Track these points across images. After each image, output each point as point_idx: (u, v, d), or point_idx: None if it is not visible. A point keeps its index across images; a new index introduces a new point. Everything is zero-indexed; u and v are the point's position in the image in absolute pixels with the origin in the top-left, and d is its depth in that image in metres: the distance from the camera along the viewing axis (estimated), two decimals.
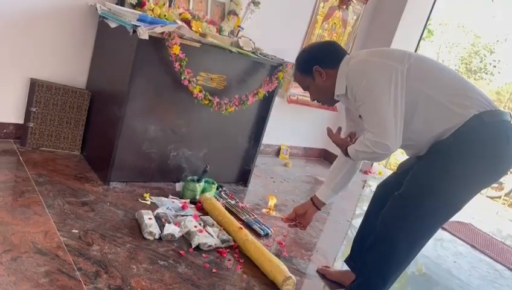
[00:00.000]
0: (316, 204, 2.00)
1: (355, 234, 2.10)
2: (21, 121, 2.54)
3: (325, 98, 1.84)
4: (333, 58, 1.74)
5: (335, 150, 4.37)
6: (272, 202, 2.32)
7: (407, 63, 1.59)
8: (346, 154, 1.74)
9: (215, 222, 2.22)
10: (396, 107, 1.55)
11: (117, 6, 2.36)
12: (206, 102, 2.45)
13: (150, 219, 2.01)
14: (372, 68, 1.61)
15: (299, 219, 2.04)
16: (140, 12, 2.24)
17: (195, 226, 2.07)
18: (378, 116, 1.56)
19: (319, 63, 1.73)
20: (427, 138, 1.63)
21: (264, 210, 2.34)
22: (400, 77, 1.56)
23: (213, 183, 2.58)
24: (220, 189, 2.70)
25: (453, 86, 1.61)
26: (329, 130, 1.82)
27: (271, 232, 2.38)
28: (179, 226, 2.04)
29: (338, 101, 1.82)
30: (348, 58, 1.73)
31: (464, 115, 1.55)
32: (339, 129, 1.86)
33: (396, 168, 2.01)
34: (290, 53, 3.44)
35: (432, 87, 1.58)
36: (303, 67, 1.79)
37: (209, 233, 2.08)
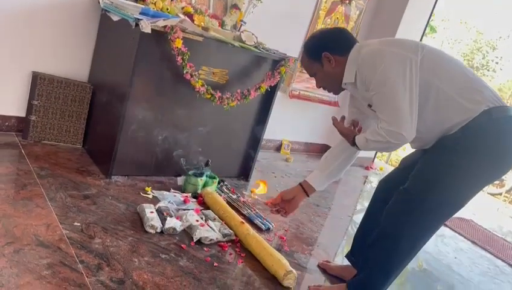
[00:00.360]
0: (305, 190, 1.93)
1: (356, 229, 2.10)
2: (23, 114, 2.53)
3: (331, 85, 1.81)
4: (343, 45, 1.71)
5: None
6: (261, 188, 2.22)
7: (421, 54, 1.57)
8: (353, 144, 1.72)
9: (216, 216, 2.22)
10: (412, 96, 1.53)
11: None
12: (208, 96, 2.44)
13: (151, 212, 2.02)
14: (387, 58, 1.57)
15: (283, 204, 1.97)
16: (142, 6, 2.23)
17: (197, 220, 2.07)
18: (393, 106, 1.54)
19: (328, 49, 1.70)
20: (435, 131, 1.63)
21: (246, 193, 2.23)
22: (414, 67, 1.54)
23: (214, 177, 2.58)
24: (222, 183, 2.70)
25: (464, 80, 1.59)
26: (334, 119, 1.80)
27: (272, 226, 2.39)
28: (180, 220, 2.05)
29: (344, 89, 1.80)
30: (358, 46, 1.70)
31: (474, 110, 1.55)
32: (343, 118, 1.85)
33: (398, 164, 2.00)
34: (292, 48, 3.44)
35: (443, 81, 1.57)
36: (312, 53, 1.75)
37: (210, 227, 2.08)
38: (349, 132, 1.76)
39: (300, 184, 1.95)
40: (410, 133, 1.54)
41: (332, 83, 1.79)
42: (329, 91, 1.86)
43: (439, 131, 1.62)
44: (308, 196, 1.94)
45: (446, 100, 1.58)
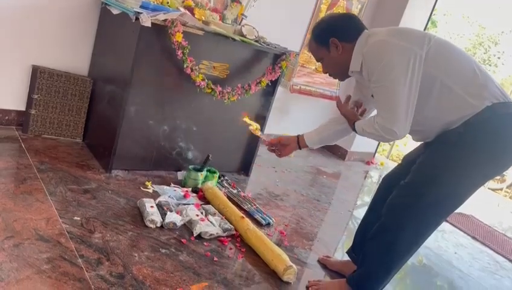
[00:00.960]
0: (299, 143, 2.03)
1: (357, 224, 2.09)
2: (23, 108, 2.53)
3: (337, 72, 1.81)
4: (351, 32, 1.70)
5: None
6: (252, 123, 2.24)
7: (427, 46, 1.56)
8: (352, 128, 1.74)
9: (216, 211, 2.22)
10: (410, 94, 1.53)
11: None
12: (209, 90, 2.43)
13: (151, 207, 2.02)
14: (391, 51, 1.56)
15: (279, 147, 2.08)
16: None
17: (197, 215, 2.07)
18: (391, 102, 1.55)
19: (336, 35, 1.69)
20: (436, 125, 1.63)
21: (250, 127, 2.23)
22: (417, 62, 1.54)
23: (215, 172, 2.58)
24: (222, 178, 2.70)
25: (470, 74, 1.58)
26: (338, 101, 1.81)
27: (272, 221, 2.39)
28: (180, 215, 2.05)
29: (350, 76, 1.80)
30: (366, 34, 1.68)
31: (477, 106, 1.54)
32: (348, 98, 1.85)
33: (400, 159, 2.00)
34: (293, 42, 3.42)
35: (448, 75, 1.56)
36: (319, 38, 1.74)
37: (210, 222, 2.08)
38: (352, 116, 1.77)
39: (297, 136, 2.04)
40: (402, 131, 1.56)
41: (338, 69, 1.79)
42: (334, 78, 1.87)
43: (441, 124, 1.61)
44: (300, 148, 2.05)
45: (449, 94, 1.57)
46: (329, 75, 1.85)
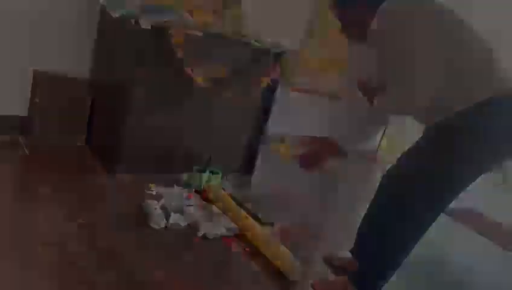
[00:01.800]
0: None
1: (360, 222, 2.09)
2: (25, 113, 2.53)
3: (355, 31, 1.77)
4: None
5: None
6: None
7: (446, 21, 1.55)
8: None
9: (220, 211, 2.22)
10: (430, 58, 1.51)
11: None
12: (210, 91, 2.44)
13: (156, 208, 2.02)
14: (412, 17, 1.54)
15: None
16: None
17: (201, 216, 2.07)
18: (409, 64, 1.53)
19: None
20: (439, 108, 1.60)
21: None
22: (437, 31, 1.52)
23: (218, 173, 2.58)
24: (225, 178, 2.70)
25: (477, 65, 1.57)
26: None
27: (276, 221, 2.39)
28: (184, 216, 2.05)
29: (366, 39, 1.75)
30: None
31: (477, 98, 1.53)
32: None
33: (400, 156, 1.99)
34: (293, 40, 3.41)
35: (459, 58, 1.55)
36: None
37: (215, 222, 2.08)
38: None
39: None
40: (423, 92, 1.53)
41: (356, 28, 1.75)
42: (351, 37, 1.83)
43: (444, 108, 1.59)
44: None
45: (456, 78, 1.55)
46: (347, 36, 1.82)
